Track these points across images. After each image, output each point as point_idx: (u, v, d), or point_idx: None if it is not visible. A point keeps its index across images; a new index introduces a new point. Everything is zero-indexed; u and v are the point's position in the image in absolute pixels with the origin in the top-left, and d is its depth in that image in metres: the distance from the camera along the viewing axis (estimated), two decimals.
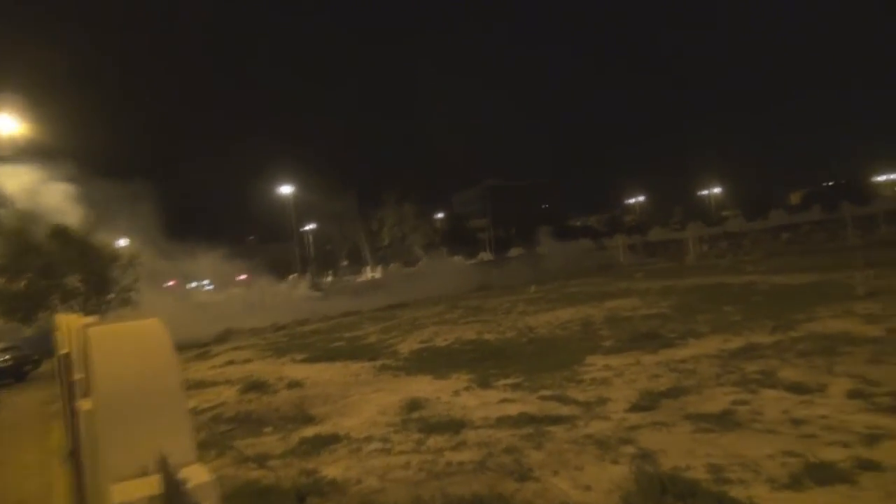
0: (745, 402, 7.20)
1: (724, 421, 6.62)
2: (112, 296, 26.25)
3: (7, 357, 21.28)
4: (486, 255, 66.67)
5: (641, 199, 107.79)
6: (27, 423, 12.54)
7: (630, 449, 6.13)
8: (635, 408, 7.53)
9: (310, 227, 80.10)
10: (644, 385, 8.62)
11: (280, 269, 61.82)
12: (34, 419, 12.93)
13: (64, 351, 5.73)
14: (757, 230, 51.17)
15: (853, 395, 6.92)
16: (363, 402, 9.86)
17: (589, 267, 44.84)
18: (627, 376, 9.32)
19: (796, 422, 6.31)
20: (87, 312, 20.10)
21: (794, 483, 4.90)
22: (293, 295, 46.32)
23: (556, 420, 7.38)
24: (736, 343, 10.60)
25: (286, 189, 63.37)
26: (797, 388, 7.41)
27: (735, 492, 4.86)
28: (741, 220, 58.89)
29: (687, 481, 5.12)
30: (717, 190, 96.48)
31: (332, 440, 7.73)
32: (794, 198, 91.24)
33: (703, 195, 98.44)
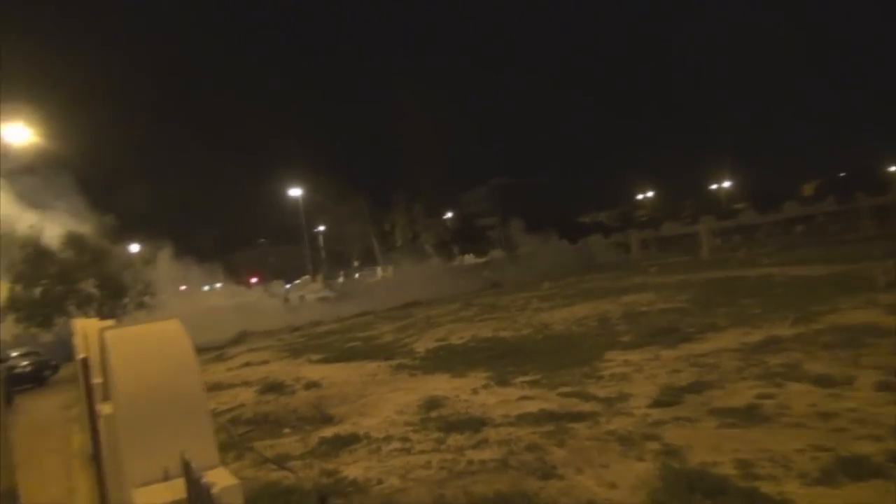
0: (771, 395, 7.07)
1: (750, 415, 6.49)
2: (127, 300, 26.48)
3: (27, 363, 21.40)
4: (497, 253, 66.50)
5: (651, 194, 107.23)
6: (48, 428, 12.57)
7: (654, 445, 6.02)
8: (657, 403, 7.42)
9: (321, 228, 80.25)
10: (665, 380, 8.51)
11: (292, 271, 62.07)
12: (55, 423, 12.96)
13: (82, 355, 5.72)
14: (770, 222, 50.64)
15: (882, 387, 6.77)
16: (381, 401, 9.80)
17: (601, 262, 44.67)
18: (647, 371, 9.21)
19: (825, 415, 6.18)
20: (103, 317, 20.21)
21: (827, 478, 4.77)
22: (306, 296, 46.36)
23: (578, 417, 7.28)
24: (757, 336, 10.45)
25: (296, 192, 63.72)
26: (824, 381, 7.27)
27: (766, 487, 4.75)
28: (753, 212, 58.28)
29: (715, 477, 5.01)
30: (727, 184, 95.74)
31: (351, 440, 7.67)
32: (808, 189, 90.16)
33: (713, 189, 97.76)
